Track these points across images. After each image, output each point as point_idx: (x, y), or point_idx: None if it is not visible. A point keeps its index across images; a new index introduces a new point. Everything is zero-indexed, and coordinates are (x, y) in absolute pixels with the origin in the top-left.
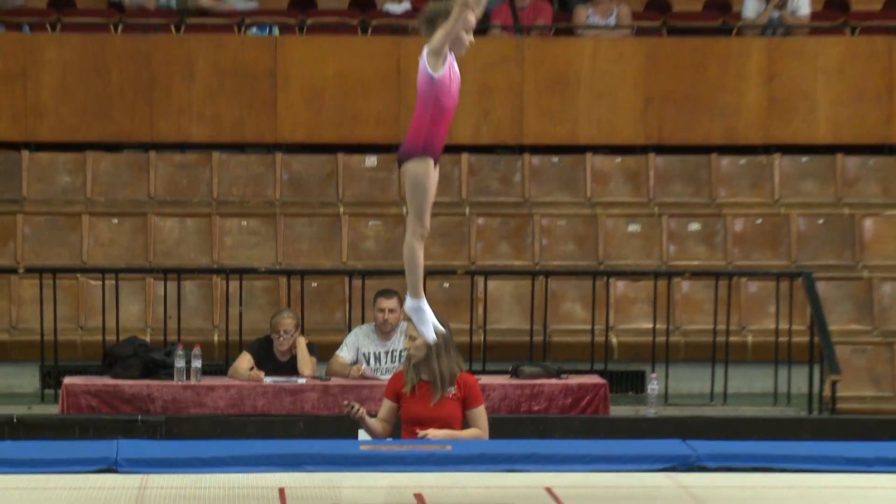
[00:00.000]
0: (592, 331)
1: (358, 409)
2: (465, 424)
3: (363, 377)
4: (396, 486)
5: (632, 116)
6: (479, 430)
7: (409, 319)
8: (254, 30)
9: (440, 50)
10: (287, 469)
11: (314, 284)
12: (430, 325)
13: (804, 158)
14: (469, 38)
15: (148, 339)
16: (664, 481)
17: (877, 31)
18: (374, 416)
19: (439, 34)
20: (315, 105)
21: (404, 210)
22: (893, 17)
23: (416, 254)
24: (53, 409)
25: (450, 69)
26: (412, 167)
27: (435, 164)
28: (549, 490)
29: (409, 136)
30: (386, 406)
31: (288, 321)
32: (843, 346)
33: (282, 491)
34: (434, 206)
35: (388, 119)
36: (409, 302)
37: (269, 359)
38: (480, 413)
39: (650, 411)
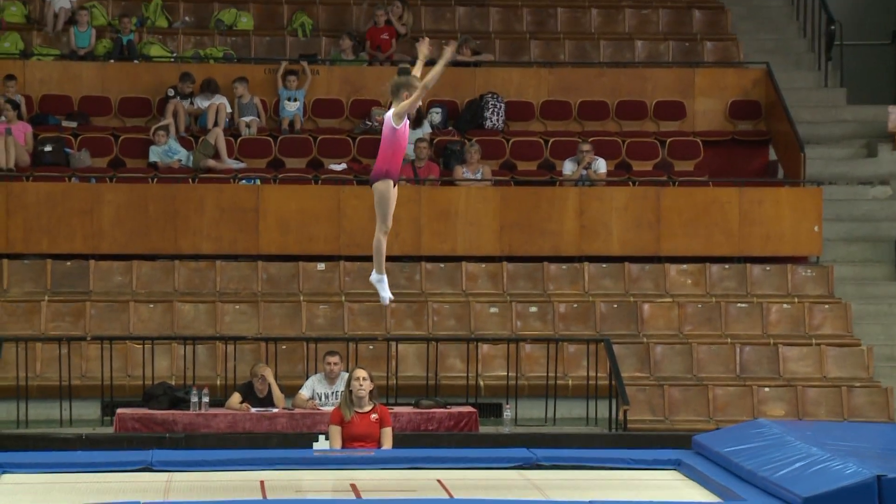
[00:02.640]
0: (467, 377)
1: None
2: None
3: (315, 408)
4: (338, 478)
5: (492, 237)
6: (388, 443)
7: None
8: (243, 181)
9: (403, 114)
10: (266, 468)
11: (283, 347)
12: (387, 291)
13: (604, 265)
14: (417, 104)
15: (173, 383)
16: (515, 475)
17: (649, 184)
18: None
19: (406, 104)
20: (284, 229)
21: (343, 297)
22: (659, 175)
23: (382, 244)
24: (109, 430)
25: (404, 124)
26: (380, 186)
27: (394, 184)
28: (439, 481)
29: (377, 166)
30: (332, 429)
31: (265, 370)
32: (631, 387)
33: (262, 482)
34: (359, 295)
35: (333, 238)
36: (373, 275)
37: (252, 396)
38: (389, 432)
39: (505, 430)
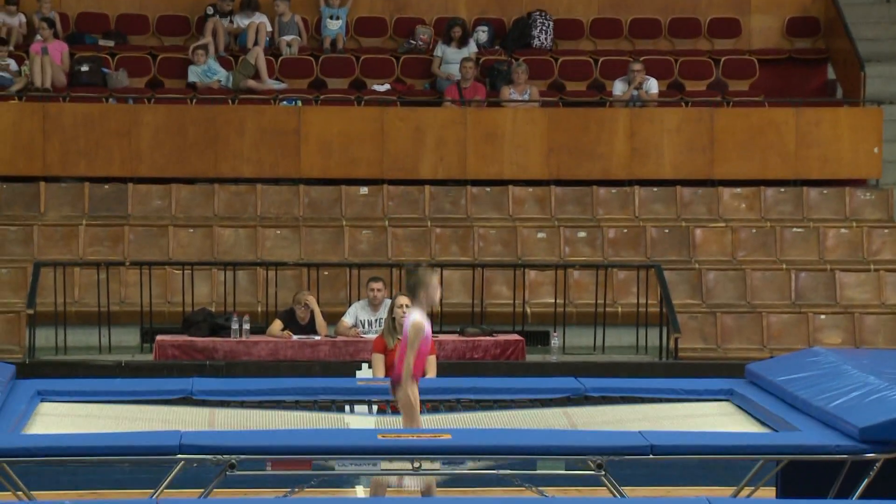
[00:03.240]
0: (514, 304)
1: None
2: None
3: (358, 336)
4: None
5: (539, 160)
6: (432, 372)
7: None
8: (284, 102)
9: (423, 326)
10: (308, 397)
11: (326, 273)
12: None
13: (655, 189)
14: (437, 298)
15: (213, 309)
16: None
17: (702, 105)
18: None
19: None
20: (326, 152)
21: (386, 222)
22: (713, 95)
23: (415, 415)
24: (149, 357)
25: (427, 325)
26: (405, 394)
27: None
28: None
29: (395, 371)
30: (376, 357)
31: (308, 297)
32: (682, 314)
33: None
34: (404, 220)
35: (375, 162)
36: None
37: (293, 323)
38: (433, 360)
39: (553, 358)
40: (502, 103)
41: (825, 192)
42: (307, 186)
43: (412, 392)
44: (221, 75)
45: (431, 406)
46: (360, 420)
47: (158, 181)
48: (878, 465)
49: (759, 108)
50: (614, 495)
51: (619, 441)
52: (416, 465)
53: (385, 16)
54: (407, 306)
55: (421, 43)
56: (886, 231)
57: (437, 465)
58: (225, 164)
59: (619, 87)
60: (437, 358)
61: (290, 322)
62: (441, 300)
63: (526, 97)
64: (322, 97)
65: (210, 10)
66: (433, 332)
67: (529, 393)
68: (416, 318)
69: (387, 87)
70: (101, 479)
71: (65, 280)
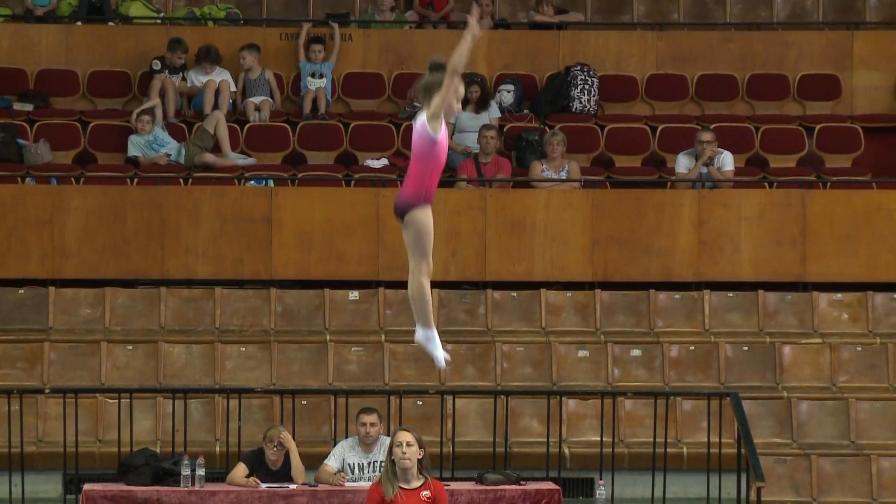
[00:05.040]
0: (548, 443)
1: None
2: None
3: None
4: None
5: (580, 257)
6: None
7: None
8: (252, 182)
9: (439, 114)
10: None
11: (304, 402)
12: (440, 350)
13: (730, 294)
14: (457, 105)
15: (158, 450)
16: None
17: (791, 185)
18: None
19: (436, 101)
20: (305, 246)
21: (383, 337)
22: (805, 173)
23: (425, 289)
24: None
25: (443, 131)
26: (417, 216)
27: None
28: None
29: (409, 190)
30: None
31: (282, 434)
32: (767, 457)
33: None
34: (406, 333)
35: (369, 258)
36: (419, 332)
37: (262, 467)
38: None
39: None
40: (532, 183)
41: None
42: (280, 291)
43: (420, 215)
44: (171, 148)
45: None
46: None
47: (88, 284)
48: None
49: (866, 190)
50: None
51: None
52: None
53: (381, 71)
54: (410, 444)
55: (412, 108)
56: None
57: None
58: (174, 262)
59: (683, 163)
60: None
61: (259, 466)
62: (452, 431)
63: (563, 175)
64: (300, 175)
65: (157, 65)
66: (443, 479)
67: None
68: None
69: (384, 162)
70: None
71: None
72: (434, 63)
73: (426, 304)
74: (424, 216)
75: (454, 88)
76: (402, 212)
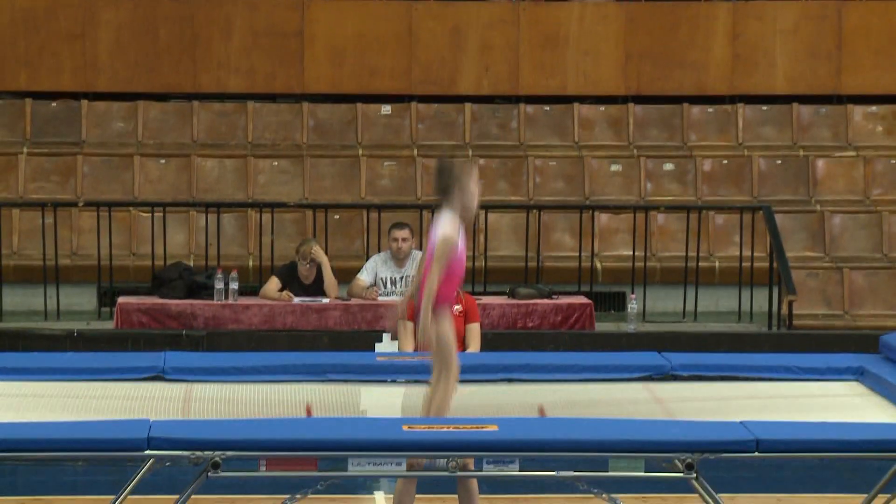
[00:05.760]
0: (580, 257)
1: None
2: (464, 339)
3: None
4: (410, 392)
5: (614, 70)
6: (475, 345)
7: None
8: None
9: (457, 234)
10: (314, 378)
11: (336, 217)
12: None
13: (764, 107)
14: (476, 203)
15: (191, 263)
16: (642, 388)
17: None
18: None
19: (452, 231)
20: (337, 61)
21: (415, 151)
22: None
23: (445, 396)
24: (109, 325)
25: (460, 240)
26: (439, 329)
27: (451, 307)
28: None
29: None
30: (402, 326)
31: (314, 248)
32: (799, 271)
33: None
34: (439, 148)
35: (401, 73)
36: None
37: (295, 281)
38: (476, 329)
39: (630, 327)
40: None
41: None
42: (312, 105)
43: (439, 326)
44: None
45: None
46: (382, 402)
47: (121, 97)
48: None
49: None
50: None
51: (714, 434)
52: (454, 464)
53: None
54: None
55: None
56: None
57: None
58: (206, 76)
59: None
60: (482, 326)
61: (291, 280)
62: (485, 245)
63: None
64: None
65: None
66: (475, 294)
67: (599, 372)
68: (446, 229)
69: None
70: (46, 481)
71: (0, 225)
72: (438, 168)
73: (440, 411)
74: (445, 327)
75: (470, 193)
76: (417, 322)
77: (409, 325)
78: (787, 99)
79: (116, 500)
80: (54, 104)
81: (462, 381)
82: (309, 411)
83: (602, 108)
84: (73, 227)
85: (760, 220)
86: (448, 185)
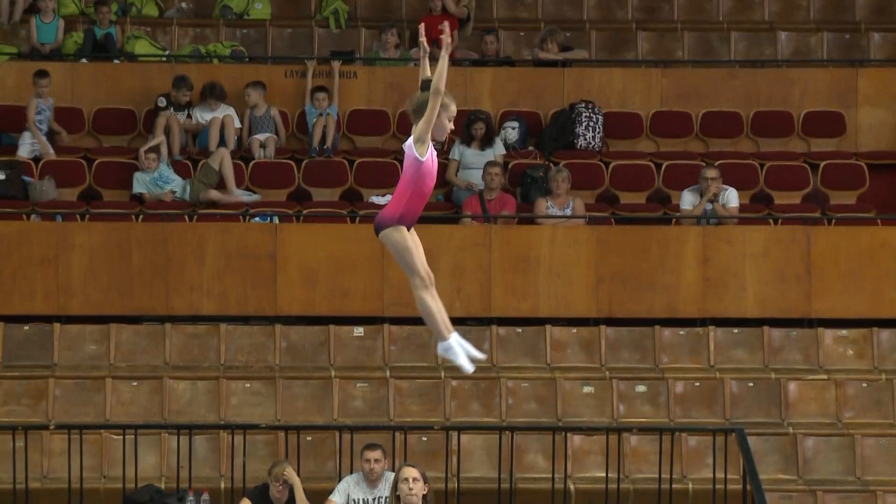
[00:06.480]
0: (553, 479)
1: None
2: None
3: None
4: None
5: (585, 293)
6: None
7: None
8: (256, 219)
9: (424, 138)
10: None
11: (309, 438)
12: (465, 358)
13: (735, 330)
14: (450, 125)
15: (163, 486)
16: None
17: (796, 222)
18: None
19: (422, 124)
20: (310, 283)
21: (388, 372)
22: (810, 210)
23: (427, 303)
24: None
25: (431, 154)
26: (390, 235)
27: (408, 229)
28: None
29: (389, 207)
30: None
31: (287, 471)
32: (772, 493)
33: None
34: (411, 369)
35: (374, 294)
36: (439, 346)
37: (267, 503)
38: None
39: None
40: (537, 220)
41: None
42: (285, 327)
43: (418, 279)
44: (176, 185)
45: None
46: None
47: (93, 320)
48: None
49: (870, 227)
50: None
51: None
52: None
53: (386, 108)
54: (415, 480)
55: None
56: None
57: None
58: (179, 299)
59: (687, 200)
60: None
61: (263, 502)
62: (457, 467)
63: (568, 212)
64: (305, 212)
65: (162, 102)
66: None
67: None
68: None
69: (388, 198)
70: None
71: None
72: (425, 81)
73: (432, 316)
74: (397, 236)
75: (442, 108)
76: (377, 230)
77: None
78: (758, 322)
79: None
80: (27, 327)
81: None
82: None
83: (574, 329)
84: (43, 450)
85: (733, 443)
86: (423, 106)
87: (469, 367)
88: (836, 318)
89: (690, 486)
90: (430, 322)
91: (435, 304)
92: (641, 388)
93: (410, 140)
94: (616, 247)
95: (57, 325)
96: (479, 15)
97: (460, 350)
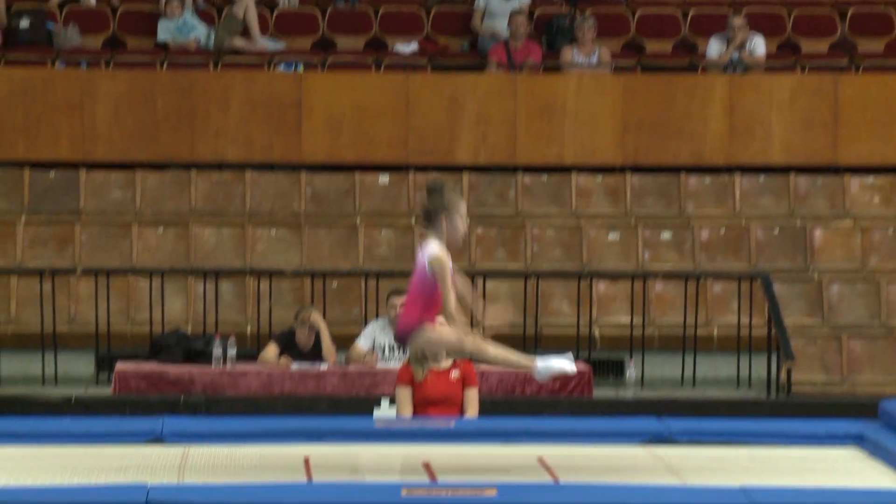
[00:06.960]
0: (578, 324)
1: None
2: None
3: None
4: (407, 455)
5: (611, 141)
6: (473, 410)
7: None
8: (281, 67)
9: (446, 261)
10: (312, 442)
11: (334, 284)
12: (559, 365)
13: (761, 177)
14: (464, 227)
15: (189, 330)
16: (641, 452)
17: (823, 70)
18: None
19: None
20: (334, 131)
21: (413, 220)
22: (837, 57)
23: (485, 348)
24: (107, 391)
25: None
26: (420, 339)
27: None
28: (541, 459)
29: (406, 315)
30: (400, 391)
31: (313, 315)
32: (797, 338)
33: (307, 460)
34: None
35: (398, 142)
36: (536, 377)
37: (293, 348)
38: (474, 394)
39: (628, 393)
40: (563, 68)
41: None
42: (310, 174)
43: (440, 335)
44: (200, 32)
45: None
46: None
47: (119, 167)
48: None
49: None
50: None
51: (713, 499)
52: None
53: None
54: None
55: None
56: None
57: None
58: (204, 146)
59: (714, 48)
60: (480, 392)
61: (289, 346)
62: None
63: (594, 60)
64: (330, 61)
65: None
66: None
67: (598, 437)
68: (435, 250)
69: (414, 47)
70: None
71: None
72: (430, 187)
73: (507, 359)
74: (427, 335)
75: (455, 211)
76: (400, 339)
77: (406, 391)
78: (784, 169)
79: None
80: (52, 173)
81: (463, 444)
82: (308, 475)
83: (599, 177)
84: (70, 295)
85: (758, 288)
86: (437, 210)
87: (572, 366)
88: (862, 166)
89: (715, 330)
90: (510, 366)
91: (500, 350)
92: (667, 235)
93: (426, 256)
94: (642, 95)
95: (83, 171)
96: None
97: (552, 363)
